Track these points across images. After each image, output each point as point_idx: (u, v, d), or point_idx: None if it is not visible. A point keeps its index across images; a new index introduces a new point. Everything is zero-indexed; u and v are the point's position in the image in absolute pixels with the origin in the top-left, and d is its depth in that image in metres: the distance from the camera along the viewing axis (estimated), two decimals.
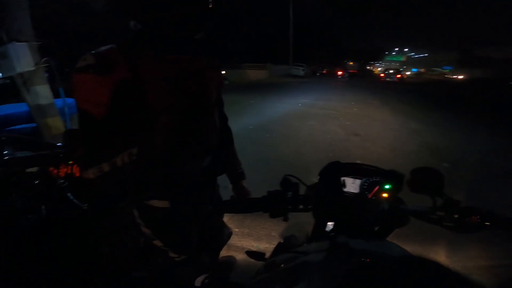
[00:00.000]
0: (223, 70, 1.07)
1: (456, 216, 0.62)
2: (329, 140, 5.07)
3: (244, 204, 0.73)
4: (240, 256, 1.87)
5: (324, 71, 32.62)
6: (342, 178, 0.88)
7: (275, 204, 0.70)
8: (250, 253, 1.04)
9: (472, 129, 6.40)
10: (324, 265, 0.56)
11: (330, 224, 0.86)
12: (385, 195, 0.78)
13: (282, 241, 0.97)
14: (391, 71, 30.86)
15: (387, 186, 0.78)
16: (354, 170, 0.89)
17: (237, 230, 2.28)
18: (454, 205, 0.63)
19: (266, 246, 2.16)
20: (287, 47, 26.34)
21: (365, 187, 0.84)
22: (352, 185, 0.88)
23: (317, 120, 6.67)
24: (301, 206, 0.72)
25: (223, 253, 1.98)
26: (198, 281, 0.60)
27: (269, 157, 4.13)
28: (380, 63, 72.10)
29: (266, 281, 0.60)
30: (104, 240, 1.18)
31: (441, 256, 2.02)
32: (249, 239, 2.24)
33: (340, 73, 27.72)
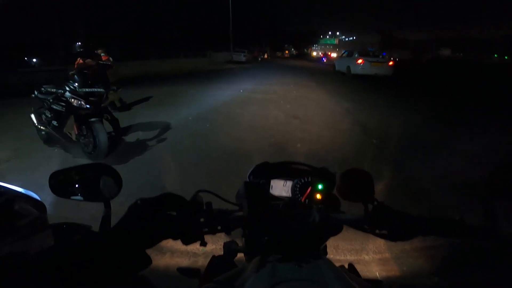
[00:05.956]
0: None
1: (387, 224, 0.58)
2: (270, 125, 5.06)
3: (145, 232, 0.53)
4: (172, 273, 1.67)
5: (265, 56, 32.92)
6: (272, 182, 0.80)
7: (186, 229, 0.56)
8: (182, 271, 0.90)
9: (396, 106, 7.13)
10: None
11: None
12: (318, 196, 0.73)
13: (215, 255, 0.86)
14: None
15: (320, 187, 0.73)
16: (284, 170, 0.81)
17: None
18: (385, 212, 0.58)
19: (213, 247, 1.97)
20: (227, 33, 25.78)
21: (297, 189, 0.77)
22: (283, 188, 0.80)
23: (258, 106, 6.63)
24: (219, 227, 0.60)
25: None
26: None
27: (210, 149, 3.92)
28: (316, 46, 76.04)
29: None
30: None
31: (380, 238, 2.11)
32: None
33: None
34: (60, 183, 0.64)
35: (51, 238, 1.21)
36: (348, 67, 13.38)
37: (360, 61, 12.63)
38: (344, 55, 15.64)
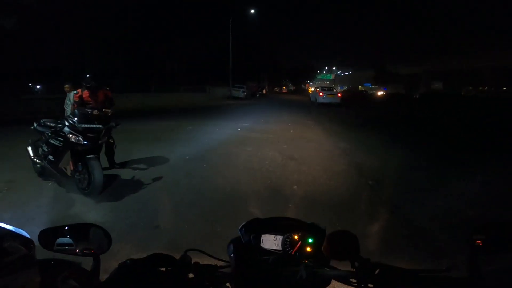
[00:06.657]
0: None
1: (374, 279, 0.63)
2: (266, 166, 5.07)
3: None
4: None
5: (263, 92, 33.89)
6: (262, 236, 0.85)
7: (175, 286, 0.62)
8: None
9: (392, 146, 7.23)
10: None
11: None
12: (308, 249, 0.78)
13: None
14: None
15: (310, 240, 0.78)
16: (275, 225, 0.87)
17: None
18: (371, 269, 0.63)
19: None
20: (227, 68, 26.78)
21: (287, 243, 0.82)
22: (274, 241, 0.84)
23: (255, 146, 6.70)
24: (207, 283, 0.65)
25: None
26: None
27: (206, 190, 3.91)
28: (313, 82, 79.04)
29: None
30: None
31: None
32: None
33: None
34: (50, 238, 0.67)
35: (38, 275, 1.21)
36: (315, 98, 21.33)
37: (321, 94, 20.58)
38: (314, 90, 24.65)
